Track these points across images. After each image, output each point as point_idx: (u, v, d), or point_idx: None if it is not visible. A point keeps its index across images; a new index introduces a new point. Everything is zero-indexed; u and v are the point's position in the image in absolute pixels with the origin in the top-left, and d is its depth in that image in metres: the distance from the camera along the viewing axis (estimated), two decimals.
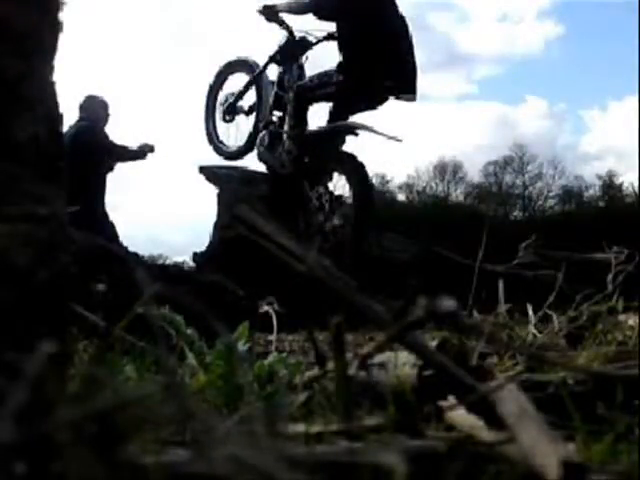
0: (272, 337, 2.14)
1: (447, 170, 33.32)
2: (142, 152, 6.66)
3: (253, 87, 6.16)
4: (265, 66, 6.10)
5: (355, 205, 5.14)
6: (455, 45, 54.49)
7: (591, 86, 55.79)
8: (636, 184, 29.51)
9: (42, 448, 0.49)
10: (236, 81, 6.35)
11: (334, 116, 5.50)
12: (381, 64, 5.30)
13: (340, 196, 5.34)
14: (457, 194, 33.53)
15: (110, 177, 6.67)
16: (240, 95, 6.27)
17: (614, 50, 53.22)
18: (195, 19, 56.92)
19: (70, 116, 6.36)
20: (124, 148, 6.61)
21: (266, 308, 2.25)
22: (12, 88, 0.68)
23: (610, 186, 32.39)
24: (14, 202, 0.66)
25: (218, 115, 6.39)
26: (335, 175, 5.42)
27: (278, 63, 6.02)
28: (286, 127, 5.66)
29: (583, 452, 0.74)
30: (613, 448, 0.76)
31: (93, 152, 6.18)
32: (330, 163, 5.41)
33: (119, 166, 6.75)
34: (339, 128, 5.45)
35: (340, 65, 5.38)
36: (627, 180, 32.04)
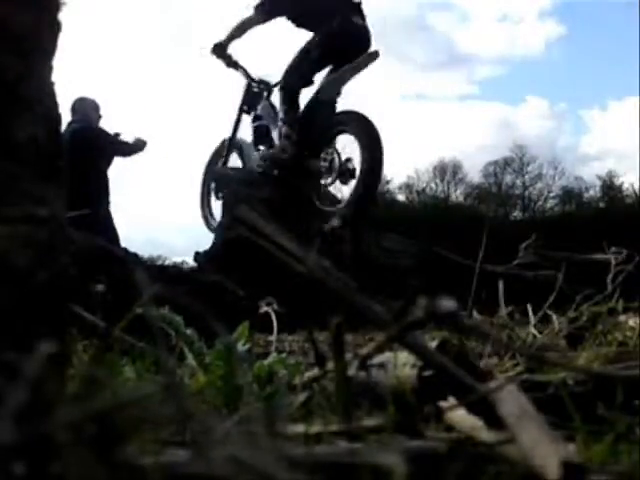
0: (272, 338, 2.14)
1: (447, 171, 33.35)
2: (139, 145, 6.64)
3: (234, 153, 6.14)
4: (237, 122, 6.13)
5: (365, 158, 5.12)
6: (455, 45, 54.65)
7: (591, 86, 55.85)
8: (636, 185, 29.54)
9: (41, 449, 0.49)
10: (233, 160, 6.28)
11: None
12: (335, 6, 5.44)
13: (349, 158, 5.34)
14: (457, 195, 33.56)
15: (110, 178, 6.69)
16: (224, 164, 6.22)
17: (614, 50, 53.26)
18: (195, 20, 56.96)
19: (68, 117, 6.39)
20: (124, 143, 6.61)
21: (266, 308, 2.25)
22: (11, 88, 0.68)
23: (610, 187, 32.38)
24: (13, 203, 0.66)
25: (212, 197, 6.29)
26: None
27: (248, 112, 6.07)
28: (280, 114, 5.68)
29: (583, 452, 0.74)
30: (613, 448, 0.76)
31: (92, 147, 6.19)
32: (332, 129, 5.42)
33: (120, 168, 6.77)
34: (321, 97, 5.50)
35: (314, 37, 5.48)
36: (627, 181, 32.05)
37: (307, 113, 5.59)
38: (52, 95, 0.74)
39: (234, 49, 5.91)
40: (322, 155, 5.42)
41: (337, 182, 5.37)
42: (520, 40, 54.14)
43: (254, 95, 5.99)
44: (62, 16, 0.75)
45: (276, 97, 5.86)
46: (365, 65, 5.43)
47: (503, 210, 32.46)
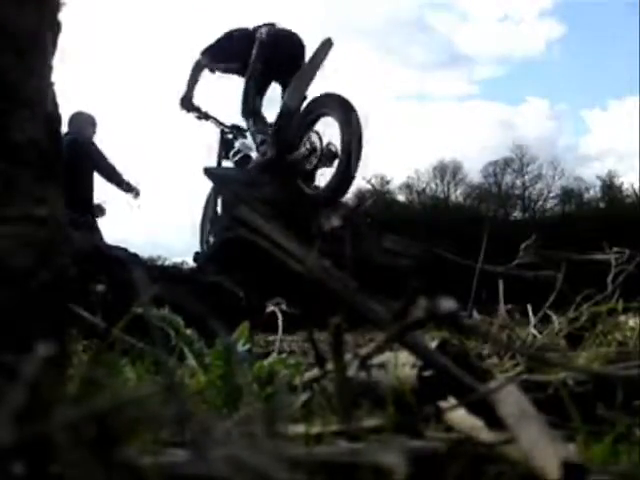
0: (272, 338, 2.14)
1: (447, 171, 33.32)
2: (131, 186, 6.70)
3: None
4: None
5: (345, 140, 5.23)
6: (455, 45, 54.58)
7: (591, 86, 55.69)
8: (636, 185, 29.52)
9: (41, 449, 0.49)
10: None
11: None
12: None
13: (330, 142, 5.46)
14: (457, 195, 33.53)
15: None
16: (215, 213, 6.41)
17: (615, 50, 53.19)
18: (194, 22, 56.93)
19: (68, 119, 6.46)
20: (114, 169, 6.68)
21: (272, 308, 2.25)
22: (10, 88, 0.68)
23: (610, 187, 32.37)
24: (13, 203, 0.66)
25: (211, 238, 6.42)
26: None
27: (227, 158, 6.25)
28: (251, 129, 5.94)
29: (583, 453, 0.74)
30: (613, 449, 0.76)
31: (82, 158, 6.29)
32: (309, 116, 5.57)
33: (120, 169, 6.80)
34: (289, 105, 5.67)
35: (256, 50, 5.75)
36: (627, 181, 32.03)
37: (278, 121, 5.78)
38: (52, 96, 0.74)
39: (201, 100, 6.21)
40: (303, 140, 5.55)
41: (320, 164, 5.48)
42: (520, 40, 53.97)
43: (229, 141, 6.22)
44: (62, 16, 0.75)
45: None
46: (322, 58, 5.59)
47: (503, 210, 32.43)
